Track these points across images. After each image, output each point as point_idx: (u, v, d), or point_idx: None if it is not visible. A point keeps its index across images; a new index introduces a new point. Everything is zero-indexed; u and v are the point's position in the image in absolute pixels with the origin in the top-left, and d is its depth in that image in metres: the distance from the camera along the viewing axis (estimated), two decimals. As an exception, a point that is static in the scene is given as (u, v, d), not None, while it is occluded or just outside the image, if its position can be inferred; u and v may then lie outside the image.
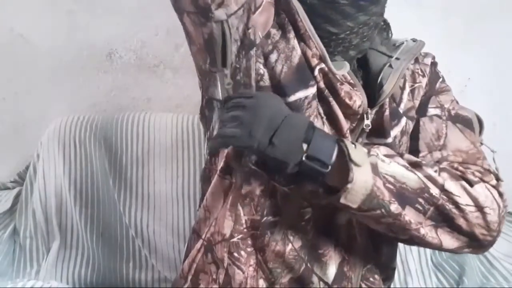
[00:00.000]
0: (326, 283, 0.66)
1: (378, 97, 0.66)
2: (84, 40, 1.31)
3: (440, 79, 0.74)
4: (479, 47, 1.34)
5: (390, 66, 0.68)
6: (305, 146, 0.57)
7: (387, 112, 0.67)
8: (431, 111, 0.71)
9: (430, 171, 0.61)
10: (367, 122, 0.65)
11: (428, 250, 1.14)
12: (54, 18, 1.29)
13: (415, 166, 0.61)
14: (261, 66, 0.63)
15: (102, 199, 1.17)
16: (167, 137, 1.19)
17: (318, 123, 0.63)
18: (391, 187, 0.58)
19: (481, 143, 0.71)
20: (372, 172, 0.57)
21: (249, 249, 0.65)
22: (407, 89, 0.70)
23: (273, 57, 0.63)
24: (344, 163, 0.57)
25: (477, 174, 0.65)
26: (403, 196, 0.58)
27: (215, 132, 0.69)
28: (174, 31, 1.27)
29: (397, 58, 0.68)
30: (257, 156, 0.62)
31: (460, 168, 0.66)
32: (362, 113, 0.65)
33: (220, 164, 0.67)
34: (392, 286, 0.75)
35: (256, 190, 0.65)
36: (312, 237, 0.66)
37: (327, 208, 0.63)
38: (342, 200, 0.57)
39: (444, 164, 0.66)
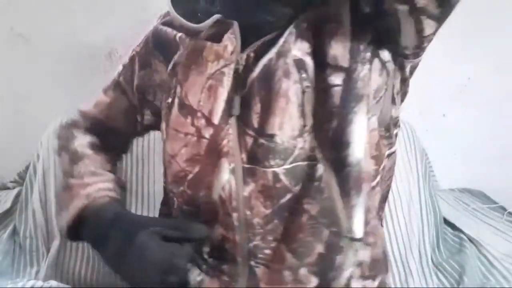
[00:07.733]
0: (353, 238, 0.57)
1: None
2: (84, 40, 1.31)
3: None
4: (479, 47, 1.35)
5: None
6: None
7: None
8: None
9: None
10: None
11: (428, 250, 1.14)
12: (54, 18, 1.29)
13: None
14: None
15: (102, 199, 1.17)
16: (167, 137, 1.18)
17: None
18: None
19: None
20: None
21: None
22: None
23: None
24: None
25: None
26: None
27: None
28: (174, 31, 1.27)
29: None
30: None
31: None
32: None
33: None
34: (392, 286, 0.74)
35: None
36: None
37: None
38: None
39: None
